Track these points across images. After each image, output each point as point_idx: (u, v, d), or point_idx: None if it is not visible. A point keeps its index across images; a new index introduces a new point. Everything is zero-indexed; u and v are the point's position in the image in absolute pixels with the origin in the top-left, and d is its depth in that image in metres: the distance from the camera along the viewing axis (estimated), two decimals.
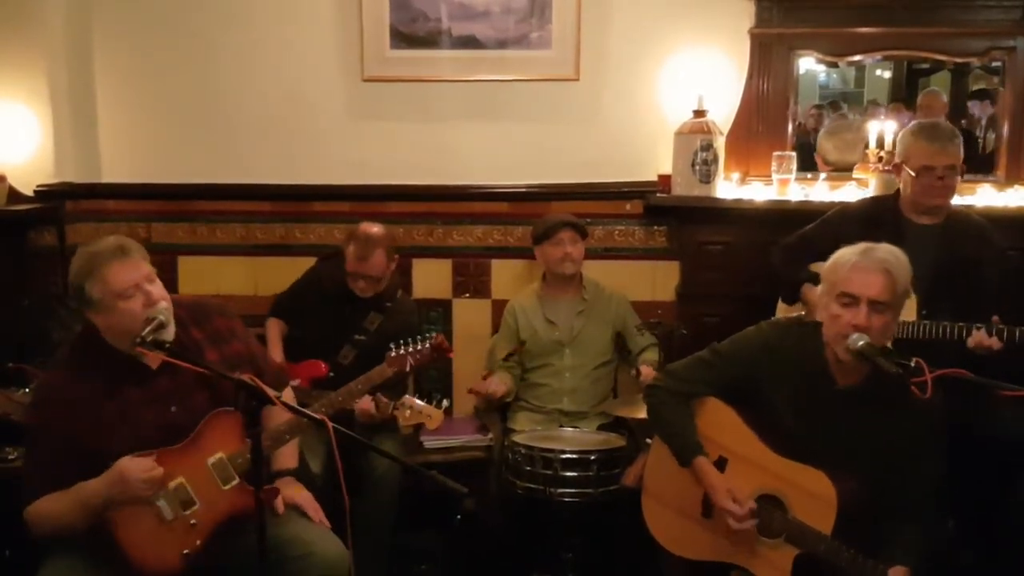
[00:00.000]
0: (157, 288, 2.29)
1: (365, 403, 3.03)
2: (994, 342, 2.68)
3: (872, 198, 3.25)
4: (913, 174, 2.90)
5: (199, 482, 2.30)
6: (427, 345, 2.67)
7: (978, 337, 2.70)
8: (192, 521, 2.27)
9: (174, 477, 2.28)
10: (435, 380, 3.81)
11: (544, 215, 3.55)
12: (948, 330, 2.77)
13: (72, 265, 2.29)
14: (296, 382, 3.22)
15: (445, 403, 3.09)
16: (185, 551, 2.26)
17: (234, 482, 2.31)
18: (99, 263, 2.24)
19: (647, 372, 3.20)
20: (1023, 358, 2.64)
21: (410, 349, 2.66)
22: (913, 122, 3.09)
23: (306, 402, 2.63)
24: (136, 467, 2.21)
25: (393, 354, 2.65)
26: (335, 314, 3.36)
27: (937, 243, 2.92)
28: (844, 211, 3.15)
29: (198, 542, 2.27)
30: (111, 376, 2.28)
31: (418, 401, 3.02)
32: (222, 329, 2.49)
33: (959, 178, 2.94)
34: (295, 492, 2.47)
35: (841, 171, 3.75)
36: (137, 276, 2.25)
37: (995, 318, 2.73)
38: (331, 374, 3.28)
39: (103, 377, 2.29)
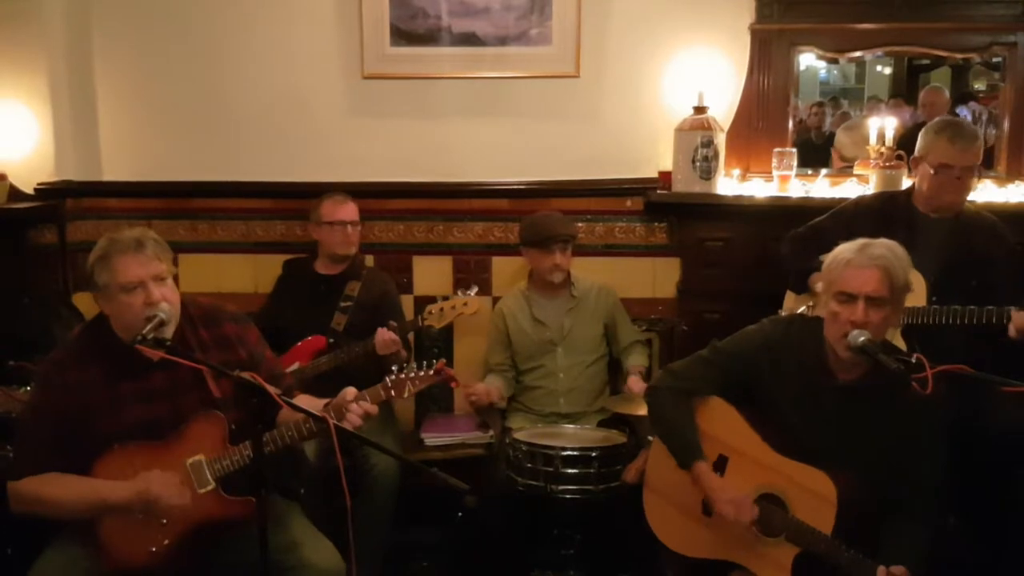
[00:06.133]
0: (164, 289, 2.28)
1: (383, 333, 3.18)
2: None
3: (885, 192, 3.24)
4: (932, 170, 2.89)
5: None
6: (430, 372, 2.49)
7: (1020, 320, 2.59)
8: (163, 520, 2.26)
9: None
10: None
11: (541, 212, 3.51)
12: (981, 315, 2.66)
13: (94, 248, 2.31)
14: (296, 366, 3.26)
15: (475, 289, 3.37)
16: (152, 548, 2.26)
17: (209, 487, 2.30)
18: (113, 252, 2.26)
19: (636, 384, 3.19)
20: None
21: (411, 375, 2.43)
22: (938, 119, 3.06)
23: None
24: (169, 492, 2.21)
25: (393, 378, 2.42)
26: (315, 296, 3.44)
27: (949, 238, 2.91)
28: (858, 204, 3.13)
29: (166, 541, 2.27)
30: (111, 365, 2.29)
31: (444, 301, 3.23)
32: (231, 335, 2.49)
33: (976, 179, 2.94)
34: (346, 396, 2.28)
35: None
36: (144, 273, 2.25)
37: None
38: (331, 340, 3.34)
39: (103, 365, 2.30)
